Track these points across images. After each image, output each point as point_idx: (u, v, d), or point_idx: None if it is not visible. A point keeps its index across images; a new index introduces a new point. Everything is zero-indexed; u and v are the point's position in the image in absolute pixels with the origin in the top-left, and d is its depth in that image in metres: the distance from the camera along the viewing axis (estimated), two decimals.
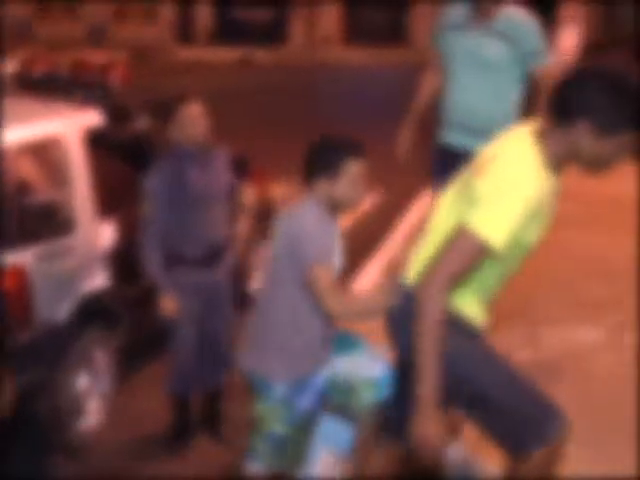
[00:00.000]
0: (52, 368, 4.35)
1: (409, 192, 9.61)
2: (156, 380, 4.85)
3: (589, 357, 5.36)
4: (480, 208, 2.78)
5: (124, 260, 4.87)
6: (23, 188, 4.38)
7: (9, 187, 4.21)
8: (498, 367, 3.03)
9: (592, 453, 4.15)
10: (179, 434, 4.59)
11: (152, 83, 15.22)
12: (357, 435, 3.48)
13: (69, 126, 4.69)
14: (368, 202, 9.16)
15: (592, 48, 15.38)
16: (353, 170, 3.32)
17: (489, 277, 2.99)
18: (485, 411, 2.99)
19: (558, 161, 2.88)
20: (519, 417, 2.95)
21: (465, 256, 2.78)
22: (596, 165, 2.89)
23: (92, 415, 4.71)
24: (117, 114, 5.27)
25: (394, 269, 6.88)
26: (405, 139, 5.31)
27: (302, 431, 3.47)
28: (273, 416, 3.41)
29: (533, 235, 2.94)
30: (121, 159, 5.54)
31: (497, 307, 3.37)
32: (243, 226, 4.83)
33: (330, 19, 32.84)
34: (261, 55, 28.13)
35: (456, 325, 2.94)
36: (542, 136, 2.88)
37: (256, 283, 6.39)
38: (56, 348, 4.40)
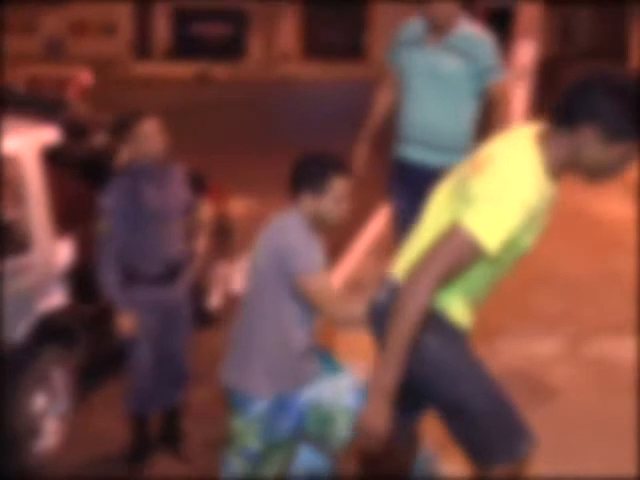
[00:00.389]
0: (8, 388, 4.29)
1: (366, 206, 9.63)
2: (114, 399, 4.80)
3: (547, 369, 5.40)
4: (476, 208, 2.71)
5: (81, 278, 4.82)
6: None
7: None
8: (479, 376, 2.98)
9: (559, 461, 4.18)
10: (138, 453, 4.54)
11: (109, 98, 15.13)
12: (332, 465, 3.52)
13: (25, 143, 4.64)
14: None
15: (548, 62, 15.53)
16: (338, 187, 3.39)
17: (478, 279, 2.93)
18: (459, 418, 2.96)
19: (559, 167, 2.81)
20: (492, 430, 2.93)
21: (456, 255, 2.71)
22: (597, 173, 2.82)
23: (49, 436, 4.63)
24: (74, 130, 5.22)
25: (354, 282, 6.88)
26: (361, 153, 5.33)
27: (276, 449, 3.47)
28: (249, 432, 3.40)
29: (527, 240, 2.88)
30: (78, 176, 5.49)
31: None
32: (201, 243, 4.81)
33: (288, 34, 32.94)
34: (219, 70, 28.09)
35: (440, 324, 2.91)
36: (544, 139, 2.80)
37: (214, 300, 6.37)
38: (12, 368, 4.33)
